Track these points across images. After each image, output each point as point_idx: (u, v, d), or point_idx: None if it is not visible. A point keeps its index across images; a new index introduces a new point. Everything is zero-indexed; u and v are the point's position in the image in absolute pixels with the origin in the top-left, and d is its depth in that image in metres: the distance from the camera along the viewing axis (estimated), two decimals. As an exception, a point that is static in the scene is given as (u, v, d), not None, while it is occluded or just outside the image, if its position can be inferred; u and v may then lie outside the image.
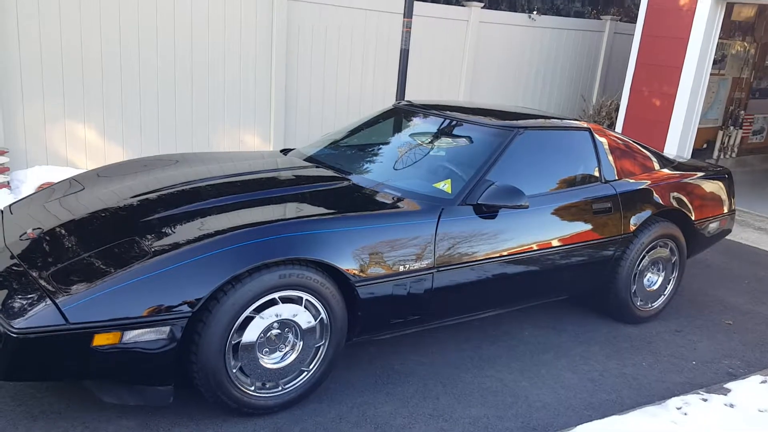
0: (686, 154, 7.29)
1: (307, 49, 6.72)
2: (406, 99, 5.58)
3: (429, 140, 3.82)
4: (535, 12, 8.45)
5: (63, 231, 2.90)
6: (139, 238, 2.69)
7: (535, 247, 3.43)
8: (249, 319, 2.60)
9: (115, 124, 5.86)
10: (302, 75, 6.78)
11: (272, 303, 2.65)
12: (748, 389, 3.22)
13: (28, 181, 5.53)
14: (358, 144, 4.18)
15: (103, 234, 2.81)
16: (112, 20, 5.61)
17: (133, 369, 2.46)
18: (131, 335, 2.38)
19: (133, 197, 3.17)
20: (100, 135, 5.84)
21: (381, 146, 4.04)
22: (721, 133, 8.57)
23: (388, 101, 7.25)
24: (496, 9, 8.35)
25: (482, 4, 7.84)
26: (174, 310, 2.42)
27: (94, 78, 5.65)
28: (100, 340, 2.35)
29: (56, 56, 5.43)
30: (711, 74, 7.34)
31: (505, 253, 3.32)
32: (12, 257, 2.73)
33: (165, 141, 6.14)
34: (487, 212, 3.27)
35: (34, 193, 3.62)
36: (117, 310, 2.37)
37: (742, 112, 8.69)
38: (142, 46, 5.79)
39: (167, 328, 2.42)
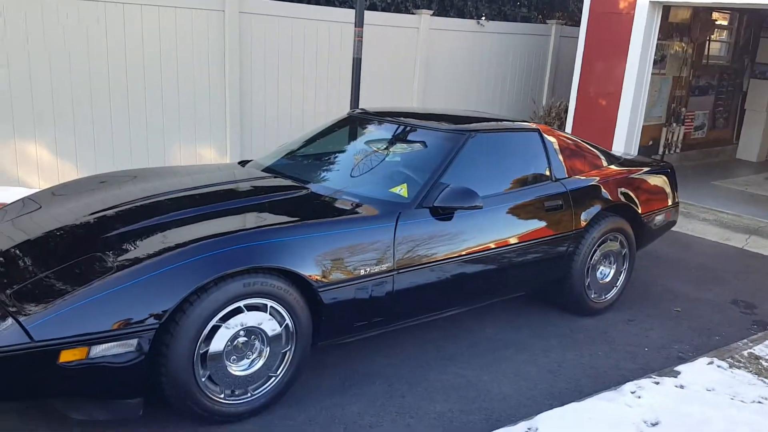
0: (633, 151, 7.56)
1: (260, 61, 6.76)
2: (360, 107, 5.67)
3: (384, 146, 3.91)
4: (483, 18, 8.63)
5: (23, 250, 2.90)
6: (101, 254, 2.71)
7: (492, 246, 3.55)
8: (216, 329, 2.64)
9: (67, 142, 5.80)
10: (256, 87, 6.81)
11: (238, 311, 2.70)
12: (696, 371, 3.39)
13: (-21, 203, 5.43)
14: (314, 153, 4.24)
15: (63, 252, 2.82)
16: (59, 38, 5.56)
17: (101, 383, 2.47)
18: (98, 350, 2.40)
19: (91, 214, 3.18)
20: (53, 154, 5.77)
21: (337, 154, 4.12)
22: (664, 129, 8.89)
23: (342, 110, 7.32)
24: (445, 16, 8.51)
25: (431, 12, 8.00)
26: (141, 323, 2.45)
27: (43, 98, 5.58)
28: (67, 356, 2.37)
29: (2, 78, 5.35)
30: (652, 74, 7.63)
31: (462, 253, 3.43)
32: (-29, 279, 2.72)
33: (120, 158, 6.09)
34: (443, 214, 3.38)
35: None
36: (83, 326, 2.38)
37: (684, 109, 9.04)
38: (92, 64, 5.75)
39: (134, 341, 2.45)
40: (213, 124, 6.60)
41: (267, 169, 3.96)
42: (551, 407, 3.05)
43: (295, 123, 7.19)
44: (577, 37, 8.01)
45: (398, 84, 7.99)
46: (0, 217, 3.37)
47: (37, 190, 5.57)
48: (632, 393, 3.13)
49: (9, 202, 5.27)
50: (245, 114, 6.78)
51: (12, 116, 5.47)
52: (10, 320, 2.37)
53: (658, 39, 7.49)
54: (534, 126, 4.12)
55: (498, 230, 3.61)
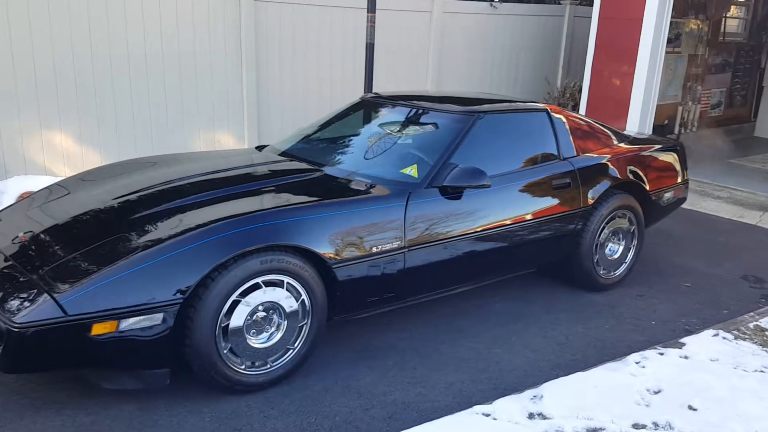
0: (647, 131, 7.58)
1: (276, 48, 6.88)
2: (373, 91, 5.77)
3: (396, 129, 4.03)
4: (496, 0, 8.66)
5: (53, 233, 3.07)
6: (127, 235, 2.87)
7: (500, 224, 3.66)
8: (236, 303, 2.80)
9: (91, 131, 5.98)
10: (272, 74, 6.93)
11: (256, 287, 2.85)
12: (701, 342, 3.49)
13: (8, 191, 5.63)
14: (329, 137, 4.37)
15: (90, 234, 2.99)
16: (82, 29, 5.72)
17: (130, 355, 2.65)
18: (127, 323, 2.57)
19: (115, 199, 3.34)
20: (77, 142, 5.96)
21: (350, 138, 4.25)
22: (680, 108, 8.88)
23: (357, 94, 7.42)
24: (458, -1, 8.57)
25: (444, -5, 8.05)
26: (166, 298, 2.61)
27: (67, 88, 5.76)
28: (98, 329, 2.54)
29: (29, 69, 5.54)
30: (667, 52, 7.62)
31: (472, 231, 3.54)
32: (6, 259, 2.90)
33: (141, 145, 6.27)
34: (453, 193, 3.49)
35: (16, 202, 3.76)
36: (112, 301, 2.55)
37: (700, 87, 9.01)
38: (113, 53, 5.91)
39: (160, 315, 2.61)
40: (231, 111, 6.75)
41: (283, 153, 4.10)
42: (557, 377, 3.17)
43: (311, 108, 7.31)
44: (591, 17, 8.01)
45: (413, 67, 8.07)
46: (29, 203, 3.55)
47: (63, 177, 5.79)
48: (637, 363, 3.24)
49: (36, 190, 5.50)
50: (262, 99, 6.92)
51: (38, 106, 5.66)
52: (45, 296, 2.54)
53: (673, 17, 7.48)
54: (542, 106, 4.21)
55: (506, 208, 3.72)
